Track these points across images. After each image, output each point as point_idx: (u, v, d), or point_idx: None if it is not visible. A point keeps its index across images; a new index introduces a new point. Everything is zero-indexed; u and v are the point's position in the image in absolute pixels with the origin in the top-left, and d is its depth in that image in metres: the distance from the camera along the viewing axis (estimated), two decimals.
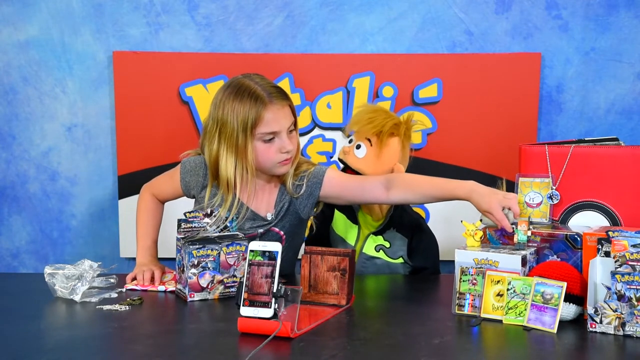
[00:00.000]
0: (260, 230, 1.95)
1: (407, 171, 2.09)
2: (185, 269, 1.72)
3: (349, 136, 2.12)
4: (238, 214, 1.90)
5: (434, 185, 1.87)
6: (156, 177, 2.10)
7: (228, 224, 1.84)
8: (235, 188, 1.90)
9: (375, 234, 2.10)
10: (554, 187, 1.75)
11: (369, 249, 2.10)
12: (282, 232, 1.97)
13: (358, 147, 2.06)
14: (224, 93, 1.88)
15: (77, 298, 1.71)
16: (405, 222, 2.11)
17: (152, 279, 1.87)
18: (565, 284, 1.49)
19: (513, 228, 1.64)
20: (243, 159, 1.87)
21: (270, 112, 1.85)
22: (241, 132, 1.85)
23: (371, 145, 2.05)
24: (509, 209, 1.67)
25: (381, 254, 2.09)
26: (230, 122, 1.85)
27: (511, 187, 1.78)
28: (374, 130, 2.03)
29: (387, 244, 2.10)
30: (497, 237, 1.69)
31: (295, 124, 1.93)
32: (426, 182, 1.88)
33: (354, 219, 2.13)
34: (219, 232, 1.82)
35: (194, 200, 2.03)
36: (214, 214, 1.83)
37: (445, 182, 1.87)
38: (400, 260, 2.09)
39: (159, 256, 2.02)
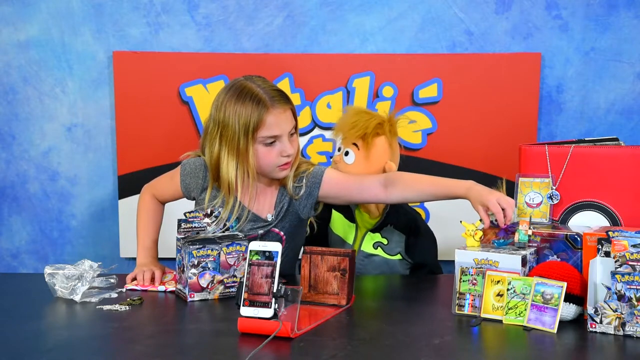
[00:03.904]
0: (261, 232, 1.95)
1: (401, 169, 2.10)
2: (185, 269, 1.72)
3: (339, 146, 2.12)
4: (240, 217, 1.90)
5: (432, 184, 1.88)
6: (157, 178, 2.10)
7: (229, 226, 1.85)
8: (237, 191, 1.90)
9: (373, 231, 2.11)
10: (554, 187, 1.75)
11: (367, 246, 2.11)
12: (282, 233, 1.97)
13: (346, 154, 2.07)
14: (226, 95, 1.88)
15: (77, 298, 1.71)
16: (401, 218, 2.11)
17: (152, 279, 1.87)
18: (565, 284, 1.49)
19: (516, 229, 1.64)
20: (244, 162, 1.87)
21: (272, 116, 1.85)
22: (243, 135, 1.85)
23: (358, 149, 2.05)
24: (503, 209, 1.68)
25: (379, 251, 2.10)
26: (231, 124, 1.85)
27: (511, 187, 1.78)
28: (358, 134, 2.04)
29: (385, 241, 2.10)
30: (501, 237, 1.69)
31: (296, 127, 1.93)
32: (425, 180, 1.89)
33: (351, 218, 2.14)
34: (218, 229, 1.82)
35: (194, 201, 2.03)
36: (214, 214, 1.83)
37: (443, 180, 1.89)
38: (398, 256, 2.10)
39: (159, 256, 2.02)
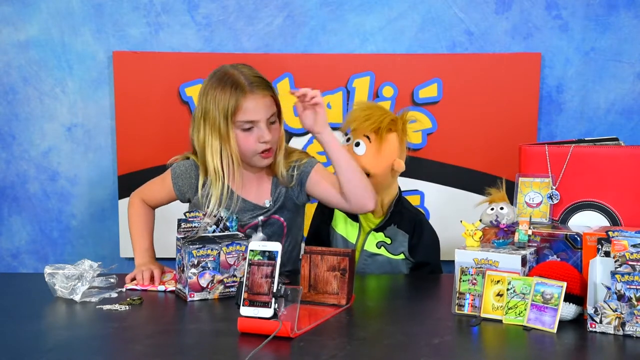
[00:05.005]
0: (261, 218, 1.96)
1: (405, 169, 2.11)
2: (185, 268, 1.72)
3: (346, 134, 2.12)
4: (230, 204, 1.91)
5: (335, 164, 1.93)
6: (145, 184, 2.10)
7: (228, 224, 1.84)
8: (224, 177, 1.91)
9: (376, 230, 2.11)
10: (554, 187, 1.75)
11: (370, 246, 2.11)
12: (282, 219, 1.98)
13: (357, 144, 2.07)
14: (209, 82, 1.92)
15: (77, 298, 1.71)
16: (405, 218, 2.11)
17: (152, 279, 1.87)
18: (565, 284, 1.49)
19: (516, 229, 1.64)
20: (227, 146, 1.89)
21: (250, 100, 1.87)
22: (222, 119, 1.87)
23: (370, 142, 2.05)
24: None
25: (382, 251, 2.10)
26: (212, 109, 1.88)
27: (511, 187, 1.78)
28: (373, 127, 2.04)
29: (388, 241, 2.10)
30: (501, 237, 1.69)
31: (278, 115, 1.94)
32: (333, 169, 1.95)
33: (354, 217, 2.14)
34: (217, 228, 1.82)
35: (188, 204, 2.04)
36: (214, 214, 1.83)
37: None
38: (402, 256, 2.10)
39: (157, 256, 2.02)
